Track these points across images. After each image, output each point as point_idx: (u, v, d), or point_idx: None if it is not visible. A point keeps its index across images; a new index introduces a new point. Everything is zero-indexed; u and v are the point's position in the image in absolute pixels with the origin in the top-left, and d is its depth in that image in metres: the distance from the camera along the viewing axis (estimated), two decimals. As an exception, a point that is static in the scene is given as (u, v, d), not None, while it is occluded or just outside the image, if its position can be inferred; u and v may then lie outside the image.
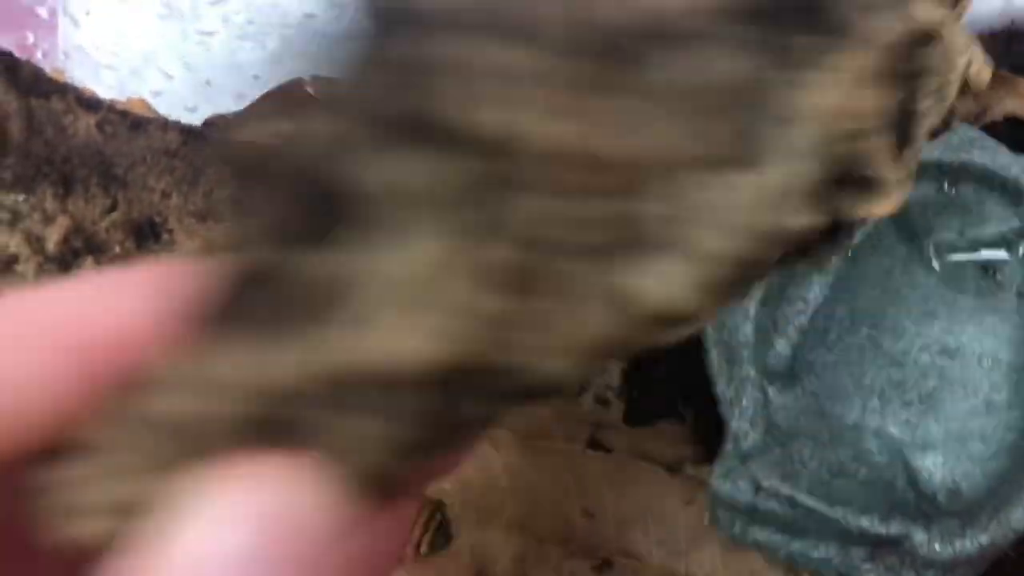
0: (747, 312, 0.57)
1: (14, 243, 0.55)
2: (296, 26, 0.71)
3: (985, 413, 0.58)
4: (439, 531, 0.61)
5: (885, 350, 0.60)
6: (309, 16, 0.70)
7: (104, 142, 0.61)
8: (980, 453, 0.57)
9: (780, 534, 0.56)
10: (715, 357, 0.58)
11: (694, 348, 0.60)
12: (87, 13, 0.74)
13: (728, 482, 0.55)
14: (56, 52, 0.75)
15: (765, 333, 0.59)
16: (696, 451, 0.63)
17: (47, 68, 0.70)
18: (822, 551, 0.55)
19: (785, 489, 0.54)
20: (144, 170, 0.63)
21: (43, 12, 0.75)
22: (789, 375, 0.59)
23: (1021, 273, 0.60)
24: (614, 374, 0.67)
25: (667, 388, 0.66)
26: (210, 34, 0.73)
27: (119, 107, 0.63)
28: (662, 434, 0.65)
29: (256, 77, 0.73)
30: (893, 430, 0.59)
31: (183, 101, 0.72)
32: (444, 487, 0.63)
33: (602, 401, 0.67)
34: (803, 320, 0.59)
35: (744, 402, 0.57)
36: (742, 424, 0.56)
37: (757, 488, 0.54)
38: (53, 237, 0.56)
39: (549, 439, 0.64)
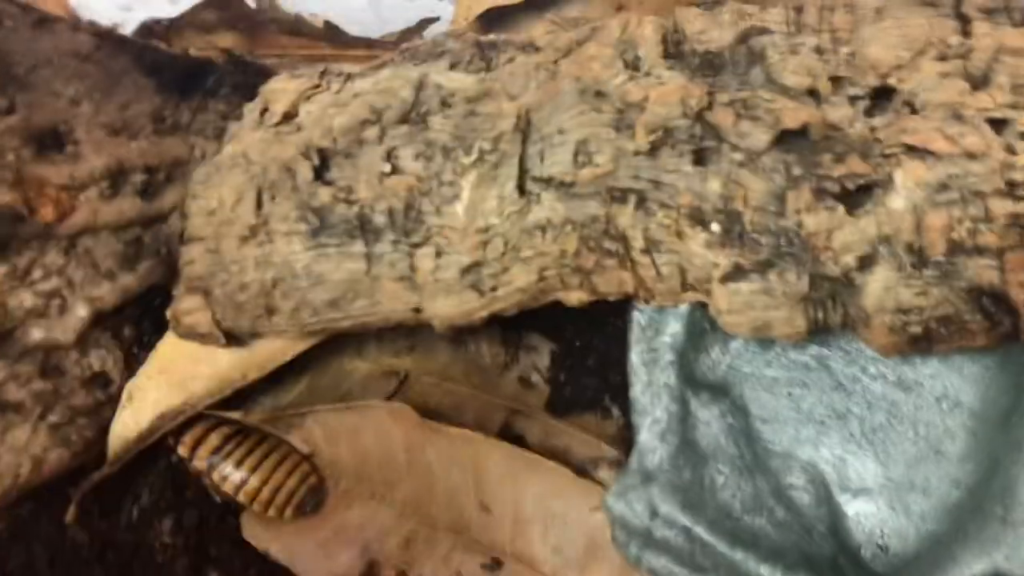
0: (679, 309, 0.50)
1: None
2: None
3: (934, 461, 0.50)
4: (310, 493, 0.56)
5: (833, 372, 0.52)
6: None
7: (2, 38, 0.55)
8: (919, 508, 0.49)
9: (676, 565, 0.49)
10: (635, 357, 0.51)
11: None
12: None
13: (623, 502, 0.48)
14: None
15: (699, 335, 0.51)
16: (616, 453, 0.57)
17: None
18: (720, 593, 0.49)
19: (684, 519, 0.47)
20: (49, 73, 0.57)
21: None
22: (719, 386, 0.52)
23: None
24: (543, 353, 0.60)
25: (597, 377, 0.59)
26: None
27: (21, 0, 0.57)
28: (583, 429, 0.59)
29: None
30: (826, 467, 0.51)
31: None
32: (341, 454, 0.58)
33: (526, 383, 0.60)
34: (746, 326, 0.52)
35: (657, 412, 0.50)
36: (651, 437, 0.49)
37: (653, 513, 0.47)
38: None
39: (459, 420, 0.58)
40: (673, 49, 0.47)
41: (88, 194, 0.54)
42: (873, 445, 0.51)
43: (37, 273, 0.52)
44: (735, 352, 0.53)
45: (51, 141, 0.56)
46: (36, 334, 0.51)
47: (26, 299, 0.51)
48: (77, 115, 0.57)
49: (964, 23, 0.44)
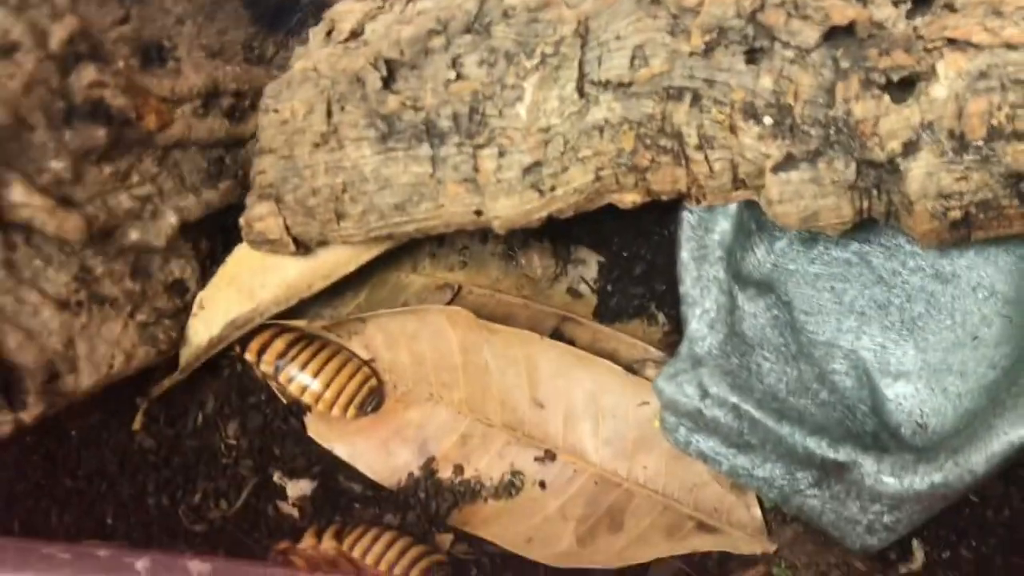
0: (728, 209, 0.53)
1: (17, 31, 0.52)
2: None
3: (970, 347, 0.53)
4: (371, 394, 0.59)
5: (874, 267, 0.55)
6: None
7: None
8: (956, 389, 0.52)
9: (725, 446, 0.52)
10: (685, 254, 0.53)
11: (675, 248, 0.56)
12: None
13: (673, 384, 0.51)
14: None
15: (746, 235, 0.54)
16: (662, 355, 0.60)
17: None
18: (767, 470, 0.52)
19: (733, 398, 0.50)
20: (163, -12, 0.60)
21: None
22: (764, 283, 0.55)
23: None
24: (591, 266, 0.63)
25: (643, 286, 0.62)
26: None
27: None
28: (631, 332, 0.62)
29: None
30: (867, 354, 0.54)
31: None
32: (400, 357, 0.61)
33: (574, 293, 0.63)
34: (790, 225, 0.55)
35: (707, 304, 0.52)
36: (700, 326, 0.52)
37: (704, 394, 0.50)
38: (58, 34, 0.53)
39: (510, 324, 0.61)
40: None
41: (184, 109, 0.57)
42: (912, 333, 0.54)
43: (135, 178, 0.55)
44: (780, 251, 0.56)
45: (155, 54, 0.59)
46: (133, 235, 0.55)
47: (125, 201, 0.55)
48: (181, 33, 0.60)
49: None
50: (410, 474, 0.60)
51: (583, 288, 0.63)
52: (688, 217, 0.54)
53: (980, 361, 0.52)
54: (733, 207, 0.53)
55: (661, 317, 0.61)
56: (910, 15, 0.45)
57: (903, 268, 0.54)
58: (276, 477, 0.61)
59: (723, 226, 0.53)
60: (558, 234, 0.62)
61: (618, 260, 0.63)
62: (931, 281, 0.54)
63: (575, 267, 0.63)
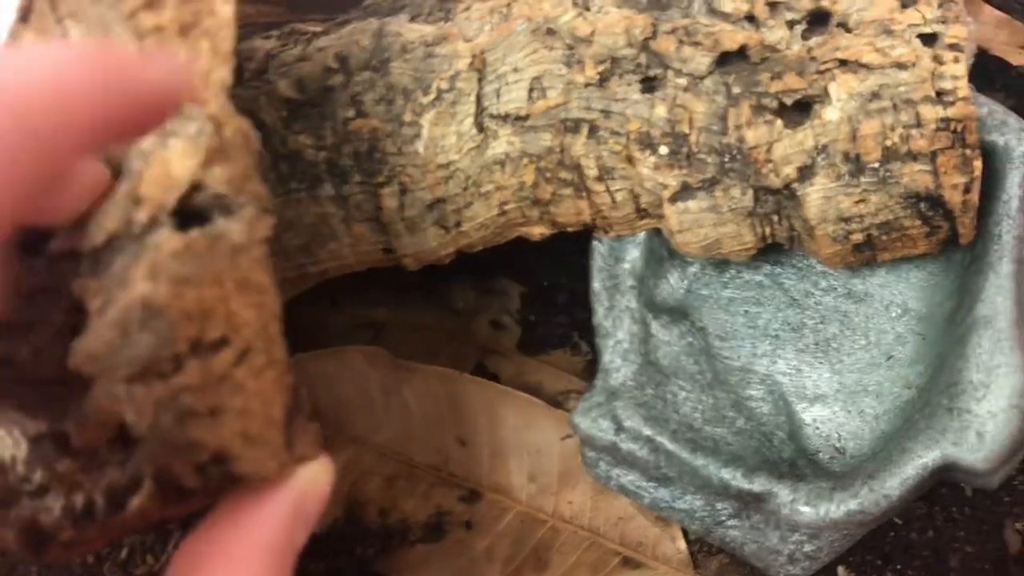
0: (638, 238, 0.52)
1: None
2: None
3: (885, 366, 0.52)
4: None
5: (787, 289, 0.55)
6: None
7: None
8: (873, 411, 0.52)
9: (645, 480, 0.51)
10: (597, 284, 0.52)
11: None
12: None
13: (588, 418, 0.50)
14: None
15: (658, 262, 0.54)
16: (586, 385, 0.59)
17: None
18: (687, 502, 0.51)
19: (647, 431, 0.49)
20: None
21: None
22: (679, 309, 0.54)
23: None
24: (513, 297, 0.62)
25: (565, 315, 0.62)
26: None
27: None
28: (554, 364, 0.61)
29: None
30: (782, 378, 0.53)
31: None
32: (320, 402, 0.60)
33: (497, 325, 0.62)
34: (703, 250, 0.54)
35: (619, 334, 0.52)
36: (614, 358, 0.51)
37: (619, 428, 0.49)
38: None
39: (434, 364, 0.60)
40: None
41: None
42: (827, 355, 0.53)
43: None
44: (693, 276, 0.55)
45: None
46: None
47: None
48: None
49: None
50: (335, 519, 0.58)
51: (506, 320, 0.62)
52: (598, 247, 0.53)
53: (895, 381, 0.52)
54: (642, 235, 0.52)
55: (584, 346, 0.61)
56: (806, 35, 0.45)
57: (815, 289, 0.54)
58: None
59: (633, 255, 0.52)
60: (479, 266, 0.62)
61: (540, 290, 0.62)
62: (844, 301, 0.54)
63: (497, 298, 0.62)
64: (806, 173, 0.43)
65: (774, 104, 0.43)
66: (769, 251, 0.54)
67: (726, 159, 0.44)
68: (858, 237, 0.44)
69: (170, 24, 0.37)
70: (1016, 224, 0.48)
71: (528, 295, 0.62)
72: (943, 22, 0.43)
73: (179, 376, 0.34)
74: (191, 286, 0.34)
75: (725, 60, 0.44)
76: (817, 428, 0.52)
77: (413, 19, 0.54)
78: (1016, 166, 0.48)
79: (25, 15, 0.40)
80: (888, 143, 0.42)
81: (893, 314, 0.53)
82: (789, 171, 0.43)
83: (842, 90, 0.42)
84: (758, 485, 0.47)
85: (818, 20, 0.45)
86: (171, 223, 0.35)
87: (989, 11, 0.64)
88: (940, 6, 0.43)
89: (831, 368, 0.53)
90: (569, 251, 0.62)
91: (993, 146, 0.49)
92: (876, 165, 0.43)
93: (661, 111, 0.45)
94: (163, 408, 0.34)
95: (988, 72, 0.66)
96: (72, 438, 0.36)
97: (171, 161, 0.35)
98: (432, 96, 0.49)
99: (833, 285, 0.54)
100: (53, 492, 0.37)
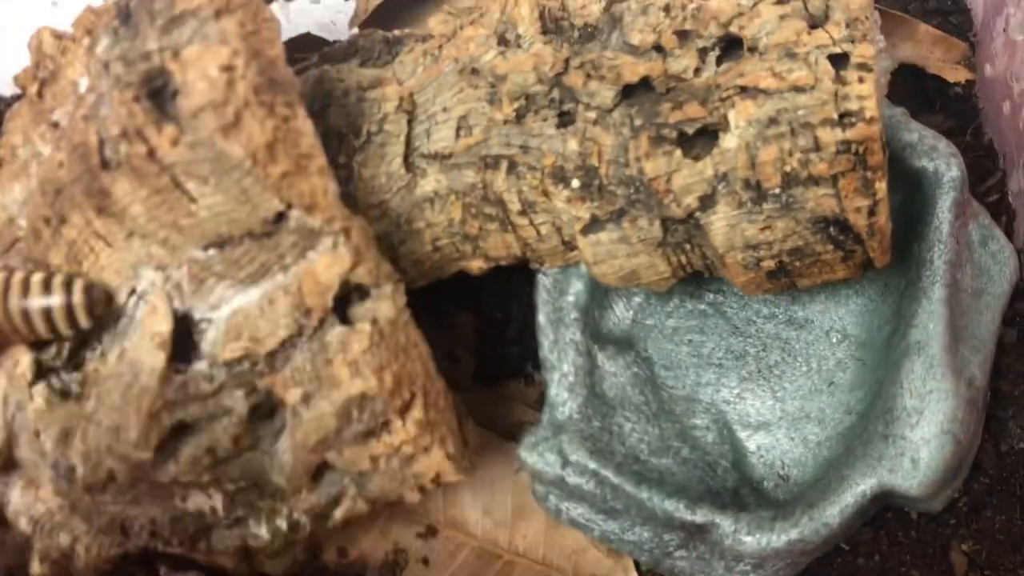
0: (580, 270, 0.52)
1: None
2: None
3: (827, 392, 0.51)
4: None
5: (729, 317, 0.54)
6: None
7: None
8: (816, 437, 0.51)
9: (593, 512, 0.51)
10: (542, 318, 0.53)
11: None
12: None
13: (535, 453, 0.50)
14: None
15: (603, 293, 0.54)
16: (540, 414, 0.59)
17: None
18: (635, 534, 0.50)
19: (593, 464, 0.49)
20: None
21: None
22: (625, 340, 0.54)
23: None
24: (467, 330, 0.63)
25: (518, 346, 0.62)
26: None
27: None
28: (509, 395, 0.61)
29: None
30: (726, 406, 0.53)
31: None
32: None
33: (452, 358, 0.63)
34: (648, 280, 0.54)
35: (564, 367, 0.52)
36: (560, 391, 0.51)
37: (565, 461, 0.49)
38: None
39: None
40: (552, 25, 0.49)
41: None
42: (769, 382, 0.53)
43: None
44: (637, 306, 0.55)
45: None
46: None
47: None
48: None
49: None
50: (294, 559, 0.59)
51: (460, 352, 0.62)
52: (543, 280, 0.53)
53: (837, 407, 0.51)
54: (584, 267, 0.52)
55: (538, 376, 0.61)
56: (720, 61, 0.45)
57: (757, 316, 0.53)
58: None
59: (577, 287, 0.52)
60: (432, 299, 0.62)
61: (493, 322, 0.63)
62: (785, 328, 0.53)
63: (452, 330, 0.63)
64: (707, 202, 0.43)
65: (673, 134, 0.43)
66: (712, 280, 0.53)
67: (631, 191, 0.44)
68: (770, 264, 0.44)
69: (287, 165, 0.42)
70: (947, 249, 0.47)
71: (481, 327, 0.62)
72: (851, 41, 0.42)
73: (392, 435, 0.46)
74: (386, 370, 0.45)
75: (631, 92, 0.44)
76: (761, 456, 0.52)
77: (363, 63, 0.55)
78: (946, 191, 0.48)
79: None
80: (787, 168, 0.42)
81: (833, 340, 0.52)
82: (690, 201, 0.43)
83: (740, 117, 0.42)
84: (701, 516, 0.47)
85: (731, 46, 0.45)
86: (336, 319, 0.45)
87: (924, 29, 0.63)
88: (848, 26, 0.43)
89: (774, 395, 0.53)
90: (520, 282, 0.62)
91: (923, 172, 0.48)
92: (777, 191, 0.42)
93: (573, 145, 0.45)
94: (384, 457, 0.46)
95: (927, 92, 0.65)
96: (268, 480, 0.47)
97: (319, 273, 0.44)
98: (363, 139, 0.50)
99: (774, 312, 0.53)
100: (253, 519, 0.49)
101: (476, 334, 0.62)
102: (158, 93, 0.42)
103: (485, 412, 0.60)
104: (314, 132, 0.43)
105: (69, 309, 0.45)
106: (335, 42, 0.71)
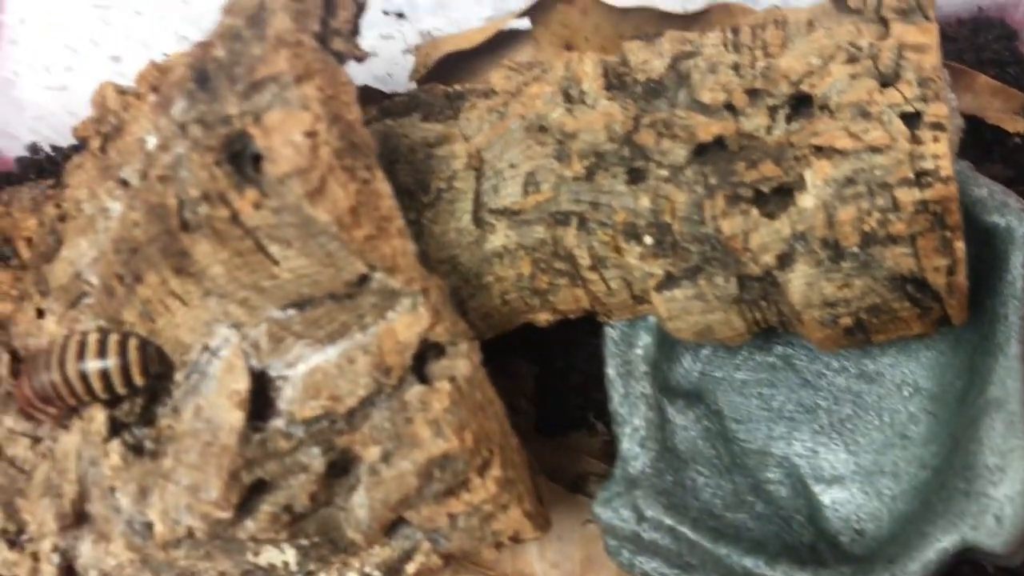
0: (648, 322, 0.52)
1: None
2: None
3: (900, 446, 0.51)
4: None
5: (799, 370, 0.54)
6: None
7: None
8: (890, 491, 0.50)
9: (668, 567, 0.51)
10: (611, 371, 0.53)
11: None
12: None
13: (610, 509, 0.50)
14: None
15: (670, 346, 0.54)
16: (604, 466, 0.59)
17: None
18: (709, 589, 0.50)
19: (669, 520, 0.49)
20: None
21: None
22: (693, 392, 0.54)
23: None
24: (527, 379, 0.63)
25: (580, 396, 0.62)
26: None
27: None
28: (571, 446, 0.61)
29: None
30: (799, 460, 0.53)
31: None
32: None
33: (513, 408, 0.63)
34: (715, 333, 0.54)
35: (636, 421, 0.52)
36: (632, 446, 0.51)
37: (640, 517, 0.49)
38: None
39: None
40: (616, 81, 0.50)
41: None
42: (842, 435, 0.53)
43: None
44: (705, 359, 0.55)
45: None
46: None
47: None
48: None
49: (885, 25, 0.47)
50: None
51: (521, 402, 0.63)
52: (611, 332, 0.53)
53: (911, 461, 0.51)
54: (653, 319, 0.52)
55: (600, 426, 0.61)
56: (790, 119, 0.45)
57: (827, 369, 0.53)
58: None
59: (645, 340, 0.52)
60: (492, 349, 0.63)
61: (554, 371, 0.63)
62: (856, 381, 0.53)
63: (512, 380, 0.63)
64: (785, 260, 0.43)
65: (749, 193, 0.43)
66: (780, 332, 0.53)
67: (707, 248, 0.45)
68: (847, 321, 0.44)
69: (370, 228, 0.43)
70: (1022, 305, 0.47)
71: (542, 376, 0.63)
72: (924, 100, 0.43)
73: (471, 494, 0.45)
74: (467, 429, 0.45)
75: (703, 150, 0.45)
76: (836, 510, 0.51)
77: (425, 118, 0.56)
78: (1019, 247, 0.47)
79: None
80: (866, 228, 0.42)
81: (905, 393, 0.52)
82: (768, 259, 0.43)
83: (817, 176, 0.42)
84: (781, 573, 0.47)
85: (801, 103, 0.45)
86: (414, 378, 0.45)
87: (983, 80, 0.64)
88: (920, 84, 0.43)
89: (847, 449, 0.52)
90: (581, 332, 0.62)
91: (995, 227, 0.48)
92: (856, 250, 0.42)
93: (645, 202, 0.46)
94: (463, 515, 0.46)
95: (985, 142, 0.65)
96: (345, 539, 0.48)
97: (399, 332, 0.44)
98: (432, 196, 0.51)
99: (845, 365, 0.53)
100: (324, 573, 0.48)
101: (536, 383, 0.62)
102: (238, 155, 0.43)
103: (548, 463, 0.60)
104: (392, 193, 0.44)
105: (124, 369, 0.46)
106: (393, 94, 0.72)
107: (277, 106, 0.41)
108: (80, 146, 0.81)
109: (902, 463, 0.51)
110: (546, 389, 0.62)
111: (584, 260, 0.48)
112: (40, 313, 0.55)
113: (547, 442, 0.61)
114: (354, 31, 0.48)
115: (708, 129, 0.44)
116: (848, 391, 0.53)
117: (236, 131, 0.42)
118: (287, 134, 0.40)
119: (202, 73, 0.46)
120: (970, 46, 0.67)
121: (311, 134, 0.40)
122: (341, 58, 0.45)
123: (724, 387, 0.55)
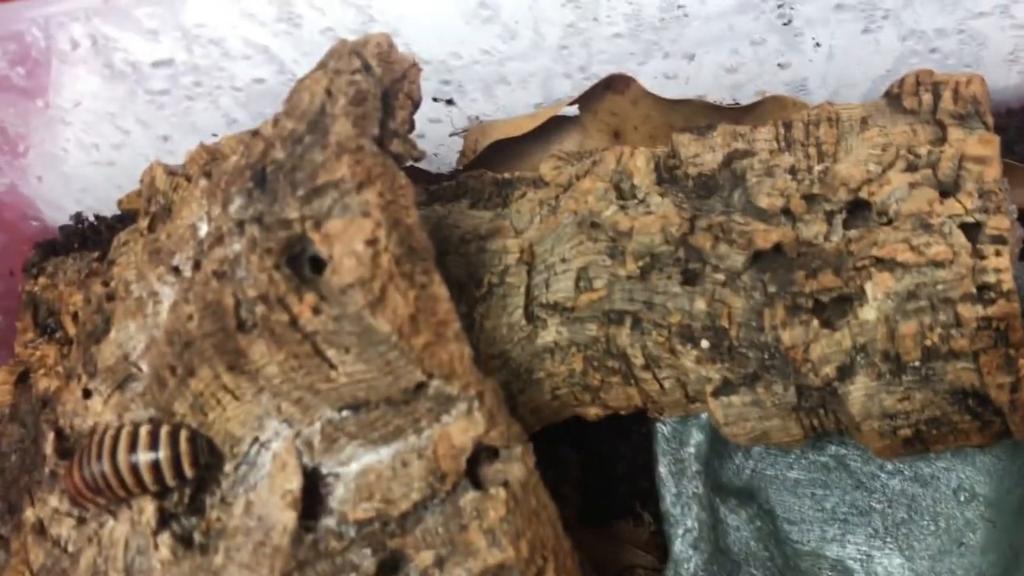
0: (700, 420, 0.52)
1: None
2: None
3: (956, 553, 0.50)
4: None
5: (852, 471, 0.53)
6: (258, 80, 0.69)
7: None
8: (947, 600, 0.50)
9: (717, 671, 0.50)
10: (663, 469, 0.52)
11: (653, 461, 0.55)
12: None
13: (662, 612, 0.49)
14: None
15: (723, 442, 0.53)
16: (651, 557, 0.58)
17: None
18: None
19: (721, 623, 0.48)
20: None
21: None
22: (745, 491, 0.53)
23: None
24: (572, 467, 0.62)
25: (626, 485, 0.61)
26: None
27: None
28: (617, 536, 0.60)
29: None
30: (853, 563, 0.52)
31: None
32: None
33: (559, 496, 0.62)
34: (767, 429, 0.53)
35: (688, 522, 0.51)
36: (684, 547, 0.51)
37: (692, 620, 0.49)
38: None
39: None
40: (667, 174, 0.50)
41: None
42: (897, 540, 0.52)
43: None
44: (757, 456, 0.54)
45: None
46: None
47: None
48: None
49: (941, 129, 0.46)
50: None
51: (566, 490, 0.62)
52: (662, 429, 0.53)
53: (969, 569, 0.50)
54: (704, 416, 0.52)
55: (647, 516, 0.60)
56: (847, 225, 0.45)
57: (881, 472, 0.53)
58: None
59: (697, 438, 0.52)
60: (537, 436, 0.62)
61: (599, 459, 0.62)
62: (910, 484, 0.52)
63: (557, 468, 0.63)
64: (846, 372, 0.43)
65: (809, 303, 0.43)
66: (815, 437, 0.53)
67: (766, 356, 0.44)
68: (906, 432, 0.43)
69: (428, 336, 0.43)
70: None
71: (588, 464, 0.62)
72: (985, 211, 0.42)
73: None
74: (522, 538, 0.45)
75: (761, 256, 0.45)
76: (891, 617, 0.50)
77: (473, 205, 0.56)
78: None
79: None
80: (928, 343, 0.41)
81: (961, 498, 0.51)
82: (828, 370, 0.43)
83: (878, 289, 0.42)
84: None
85: (859, 208, 0.45)
86: (468, 483, 0.45)
87: None
88: (981, 196, 0.43)
89: (902, 554, 0.51)
90: (627, 420, 0.62)
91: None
92: (917, 364, 0.42)
93: (701, 304, 0.45)
94: None
95: None
96: None
97: (454, 437, 0.44)
98: (484, 289, 0.51)
99: (899, 468, 0.52)
100: None
101: (581, 471, 0.62)
102: (296, 258, 0.43)
103: (594, 553, 0.59)
104: (449, 296, 0.44)
105: (175, 461, 0.46)
106: (439, 175, 0.72)
107: (338, 212, 0.41)
108: (123, 217, 0.83)
109: (960, 571, 0.50)
110: (592, 477, 0.62)
111: (638, 360, 0.48)
112: (87, 393, 0.55)
113: (592, 531, 0.60)
114: (411, 129, 0.48)
115: (767, 237, 0.44)
116: (903, 494, 0.52)
117: (296, 235, 0.43)
118: (349, 242, 0.41)
119: (261, 173, 0.46)
120: (1020, 137, 0.66)
121: (372, 242, 0.41)
122: (399, 159, 0.46)
123: (776, 486, 0.54)
